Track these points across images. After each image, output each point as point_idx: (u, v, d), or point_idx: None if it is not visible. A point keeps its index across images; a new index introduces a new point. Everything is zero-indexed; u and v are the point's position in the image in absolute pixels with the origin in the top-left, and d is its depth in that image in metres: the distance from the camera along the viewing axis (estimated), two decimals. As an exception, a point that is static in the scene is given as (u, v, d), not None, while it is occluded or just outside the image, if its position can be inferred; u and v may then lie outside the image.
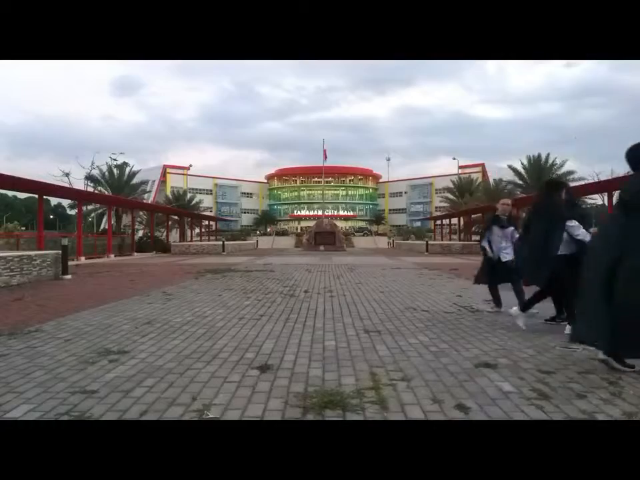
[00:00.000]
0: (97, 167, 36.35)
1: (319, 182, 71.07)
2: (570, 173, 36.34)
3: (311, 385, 3.10)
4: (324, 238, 33.53)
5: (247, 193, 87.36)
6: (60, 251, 11.27)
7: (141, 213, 35.89)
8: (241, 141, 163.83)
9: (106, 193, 34.62)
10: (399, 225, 73.85)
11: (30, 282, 9.75)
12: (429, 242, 30.31)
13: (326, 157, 53.34)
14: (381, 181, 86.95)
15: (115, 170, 37.33)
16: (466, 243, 30.38)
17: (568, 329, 4.43)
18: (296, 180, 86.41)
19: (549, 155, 37.25)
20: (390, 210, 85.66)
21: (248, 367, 3.53)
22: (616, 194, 21.08)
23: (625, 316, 3.17)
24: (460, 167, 65.90)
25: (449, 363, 3.62)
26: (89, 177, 35.95)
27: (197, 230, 45.73)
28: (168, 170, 74.16)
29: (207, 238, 43.21)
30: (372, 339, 4.47)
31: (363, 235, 62.14)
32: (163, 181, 70.97)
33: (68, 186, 27.68)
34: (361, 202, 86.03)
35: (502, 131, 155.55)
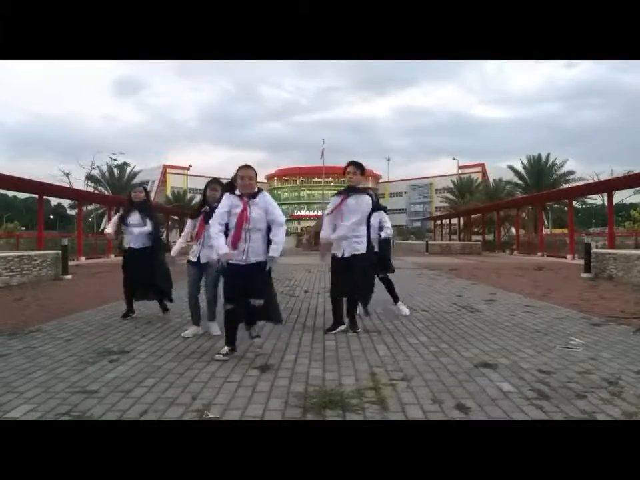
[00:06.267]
0: (98, 167, 36.37)
1: (319, 182, 70.91)
2: (570, 173, 36.32)
3: (311, 384, 3.10)
4: (324, 238, 33.31)
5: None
6: (60, 251, 11.27)
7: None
8: (241, 141, 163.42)
9: (106, 193, 34.59)
10: (399, 225, 73.75)
11: (30, 282, 9.74)
12: (429, 242, 30.29)
13: (323, 156, 53.15)
14: (380, 181, 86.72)
15: (115, 170, 37.29)
16: (466, 243, 30.39)
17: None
18: (296, 180, 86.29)
19: (549, 155, 37.20)
20: (390, 210, 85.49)
21: (248, 366, 3.53)
22: (616, 194, 21.10)
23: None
24: (460, 167, 65.78)
25: (448, 362, 3.62)
26: (89, 177, 35.96)
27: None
28: (168, 170, 73.88)
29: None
30: (372, 338, 4.48)
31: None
32: (163, 181, 70.87)
33: (68, 186, 27.66)
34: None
35: (502, 131, 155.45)
